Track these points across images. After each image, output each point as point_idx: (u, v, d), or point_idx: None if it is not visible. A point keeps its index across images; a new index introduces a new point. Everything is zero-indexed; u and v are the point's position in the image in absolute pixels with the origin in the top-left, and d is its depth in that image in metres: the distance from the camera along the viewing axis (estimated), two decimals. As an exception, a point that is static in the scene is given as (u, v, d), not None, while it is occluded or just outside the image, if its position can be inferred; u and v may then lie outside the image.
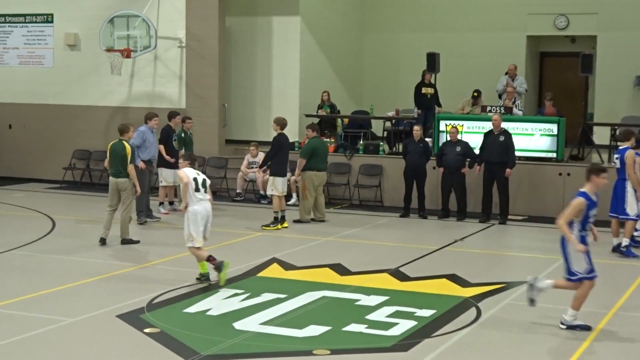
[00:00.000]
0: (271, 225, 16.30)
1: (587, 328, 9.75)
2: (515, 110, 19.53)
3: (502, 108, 19.03)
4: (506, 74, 21.06)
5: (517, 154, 17.59)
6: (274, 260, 13.47)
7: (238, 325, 9.87)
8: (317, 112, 21.61)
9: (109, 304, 10.63)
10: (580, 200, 9.73)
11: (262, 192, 19.30)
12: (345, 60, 24.31)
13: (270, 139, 17.11)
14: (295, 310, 10.58)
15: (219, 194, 20.46)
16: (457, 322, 10.16)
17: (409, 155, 17.94)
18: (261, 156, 19.48)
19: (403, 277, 12.53)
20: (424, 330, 9.80)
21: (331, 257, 13.74)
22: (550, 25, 23.53)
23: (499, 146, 17.25)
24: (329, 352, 9.01)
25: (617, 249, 14.25)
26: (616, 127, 19.74)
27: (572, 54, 22.17)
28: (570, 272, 9.80)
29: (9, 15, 23.12)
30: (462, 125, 18.82)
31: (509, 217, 17.54)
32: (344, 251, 14.46)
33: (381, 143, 20.53)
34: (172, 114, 18.34)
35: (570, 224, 9.77)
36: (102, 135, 21.50)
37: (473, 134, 18.57)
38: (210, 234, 12.17)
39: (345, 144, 20.62)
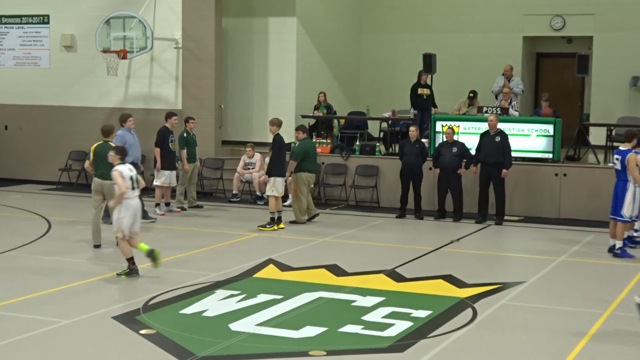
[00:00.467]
0: (267, 226, 16.30)
1: None
2: (511, 110, 19.54)
3: (498, 109, 19.04)
4: (502, 74, 21.06)
5: (513, 154, 17.59)
6: (270, 261, 13.47)
7: (234, 326, 9.86)
8: (313, 113, 21.62)
9: (105, 306, 10.62)
10: None
11: (258, 193, 19.31)
12: (342, 61, 24.32)
13: (267, 140, 17.12)
14: (292, 311, 10.58)
15: (215, 195, 20.52)
16: (453, 322, 10.16)
17: (405, 156, 17.94)
18: (257, 157, 19.56)
19: (399, 278, 12.53)
20: (420, 331, 9.80)
21: (327, 258, 13.74)
22: (547, 26, 23.55)
23: (495, 147, 17.26)
24: (325, 353, 9.00)
25: (612, 249, 14.25)
26: (612, 128, 19.76)
27: (569, 55, 22.20)
28: None
29: (5, 17, 23.09)
30: (459, 126, 18.82)
31: (505, 217, 17.54)
32: (340, 252, 14.45)
33: (377, 144, 20.54)
34: (168, 115, 18.38)
35: None
36: (98, 137, 21.16)
37: (469, 135, 18.56)
38: (140, 228, 12.48)
39: (342, 145, 20.62)
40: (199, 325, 10.01)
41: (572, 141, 19.48)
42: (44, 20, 22.67)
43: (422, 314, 10.50)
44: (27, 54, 22.93)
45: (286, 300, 11.05)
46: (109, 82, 21.60)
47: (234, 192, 19.71)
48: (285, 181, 16.88)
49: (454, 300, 11.24)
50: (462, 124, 18.97)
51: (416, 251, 14.48)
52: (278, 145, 16.59)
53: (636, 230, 15.36)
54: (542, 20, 23.53)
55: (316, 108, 21.70)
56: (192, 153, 18.61)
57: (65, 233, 15.77)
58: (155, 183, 18.08)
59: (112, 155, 12.69)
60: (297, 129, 17.31)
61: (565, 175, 18.20)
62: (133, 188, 12.34)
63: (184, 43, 21.18)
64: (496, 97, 20.77)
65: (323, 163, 19.88)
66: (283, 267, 13.11)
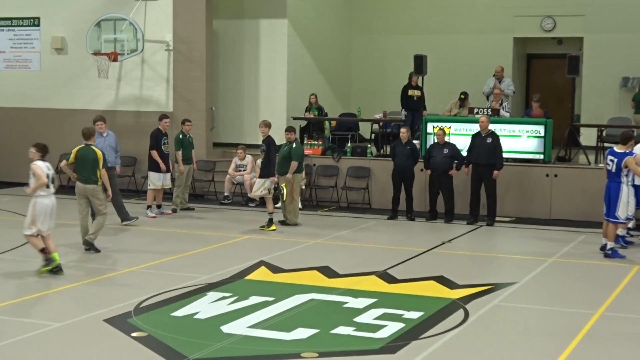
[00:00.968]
0: (266, 226, 16.35)
1: None
2: (502, 112, 19.57)
3: (489, 110, 19.06)
4: (493, 75, 21.09)
5: (504, 155, 17.61)
6: (261, 263, 13.46)
7: (226, 328, 9.85)
8: (304, 115, 21.61)
9: (96, 308, 10.59)
10: None
11: (249, 194, 19.29)
12: (333, 62, 24.33)
13: (259, 142, 17.10)
14: (283, 313, 10.57)
15: (206, 197, 20.50)
16: (445, 323, 10.16)
17: (396, 158, 17.96)
18: (249, 159, 19.56)
19: (391, 279, 12.53)
20: (412, 332, 9.80)
21: (319, 260, 13.73)
22: (537, 27, 23.62)
23: (486, 148, 17.28)
24: (317, 355, 9.00)
25: (604, 249, 14.28)
26: (603, 129, 19.80)
27: (559, 56, 22.24)
28: None
29: (-4, 19, 23.09)
30: (450, 127, 18.84)
31: (497, 218, 17.56)
32: (332, 254, 14.44)
33: (369, 145, 20.56)
34: (161, 117, 18.36)
35: None
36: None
37: (461, 136, 18.58)
38: (50, 228, 12.56)
39: (333, 147, 20.62)
40: (190, 327, 9.99)
41: (563, 142, 19.51)
42: (35, 22, 22.62)
43: (414, 315, 10.50)
44: (18, 57, 22.88)
45: (278, 302, 11.04)
46: (100, 85, 21.58)
47: (225, 194, 19.69)
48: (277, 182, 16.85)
49: (445, 301, 11.25)
50: (453, 126, 18.99)
51: (408, 252, 14.48)
52: (273, 147, 16.63)
53: (628, 230, 15.42)
54: (533, 22, 23.58)
55: (307, 110, 21.70)
56: (187, 155, 18.62)
57: (54, 235, 15.66)
58: (149, 186, 18.05)
59: (32, 152, 12.68)
60: (290, 130, 17.23)
61: (556, 176, 18.23)
62: (47, 186, 12.44)
63: (174, 45, 21.16)
64: (487, 98, 20.80)
65: (314, 165, 19.89)
66: (275, 269, 13.10)
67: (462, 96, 20.41)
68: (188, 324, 10.11)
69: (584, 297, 11.61)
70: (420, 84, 20.65)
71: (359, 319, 10.34)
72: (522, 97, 24.21)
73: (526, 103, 23.63)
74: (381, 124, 21.32)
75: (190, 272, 12.74)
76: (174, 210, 18.37)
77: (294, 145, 16.95)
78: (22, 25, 22.79)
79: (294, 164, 16.84)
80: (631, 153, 14.09)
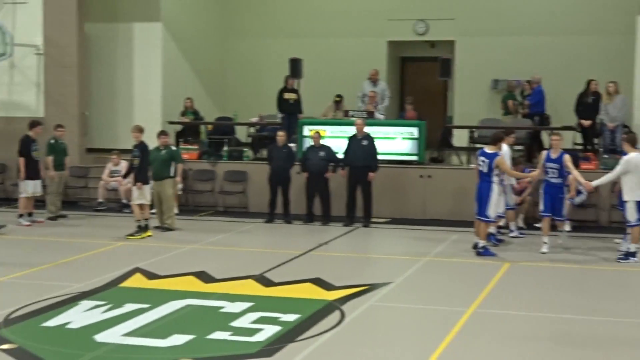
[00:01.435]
0: (136, 235, 16.06)
1: None
2: (377, 114, 19.84)
3: (364, 112, 19.28)
4: (368, 79, 21.34)
5: (379, 157, 17.83)
6: (137, 269, 13.24)
7: (100, 337, 9.64)
8: (180, 119, 21.42)
9: (-37, 321, 10.25)
10: None
11: (124, 200, 19.01)
12: (209, 66, 24.20)
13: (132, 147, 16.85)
14: (159, 320, 10.43)
15: (80, 204, 20.09)
16: (321, 325, 10.20)
17: (273, 161, 17.99)
18: (123, 164, 19.24)
19: (268, 283, 12.52)
20: (289, 335, 9.80)
21: (196, 265, 13.61)
22: (410, 30, 24.02)
23: (362, 150, 17.47)
24: (193, 361, 8.92)
25: (476, 247, 14.59)
26: (474, 130, 20.26)
27: (432, 59, 22.63)
28: None
29: None
30: (326, 130, 18.98)
31: (373, 220, 17.77)
32: (209, 258, 14.34)
33: (245, 149, 20.53)
34: (33, 124, 17.88)
35: None
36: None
37: (337, 139, 18.73)
38: None
39: (210, 151, 20.52)
40: (63, 337, 9.74)
41: (436, 143, 19.88)
42: None
43: (291, 317, 10.50)
44: None
45: (153, 309, 10.88)
46: (-33, 90, 20.92)
47: (99, 200, 19.35)
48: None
49: (322, 303, 11.29)
50: (329, 128, 19.15)
51: (285, 255, 14.49)
52: (147, 152, 16.42)
53: (500, 228, 15.80)
54: (406, 25, 23.96)
55: (183, 114, 21.53)
56: (60, 161, 18.23)
57: None
58: (21, 194, 17.56)
59: None
60: (164, 134, 17.07)
61: (430, 176, 18.57)
62: None
63: (45, 49, 20.69)
64: (362, 101, 21.02)
65: (191, 169, 19.73)
66: (150, 276, 12.92)
67: (337, 99, 20.58)
68: (60, 334, 9.86)
69: (457, 295, 11.83)
70: (296, 87, 20.73)
71: (236, 323, 10.28)
72: (397, 99, 24.56)
73: (400, 105, 23.99)
74: (257, 127, 21.30)
75: (63, 281, 12.43)
76: (51, 218, 17.94)
77: (173, 148, 16.84)
78: None
79: (180, 167, 16.76)
80: (497, 154, 14.41)
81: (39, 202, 18.17)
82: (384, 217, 18.36)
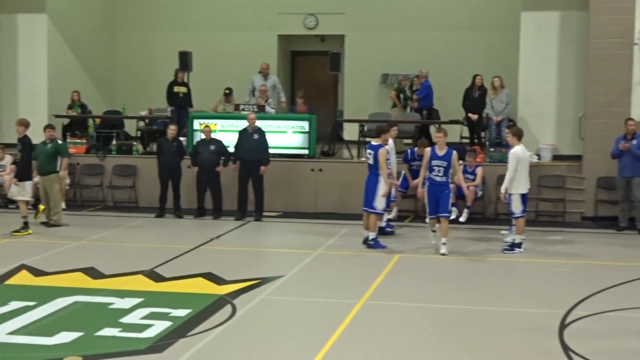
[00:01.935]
0: (22, 231, 15.68)
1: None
2: (267, 108, 19.82)
3: (254, 106, 19.25)
4: (259, 72, 21.29)
5: (271, 151, 17.83)
6: (22, 266, 12.93)
7: (-17, 336, 9.41)
8: (67, 112, 20.99)
9: None
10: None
11: (9, 196, 18.50)
12: (96, 59, 23.76)
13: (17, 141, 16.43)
14: (46, 318, 10.21)
15: (-37, 200, 19.52)
16: (212, 320, 10.16)
17: (163, 155, 17.81)
18: (8, 159, 18.73)
19: (158, 278, 12.39)
20: (180, 330, 9.72)
21: (84, 261, 13.36)
22: (300, 24, 24.08)
23: (253, 144, 17.45)
24: (81, 358, 8.73)
25: (366, 241, 14.73)
26: (364, 124, 20.44)
27: (322, 53, 22.76)
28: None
29: None
30: (216, 124, 18.87)
31: (265, 213, 17.77)
32: (98, 254, 14.11)
33: (135, 143, 20.25)
34: None
35: None
36: None
37: (227, 132, 18.66)
38: None
39: (98, 145, 20.18)
40: (-56, 338, 9.46)
41: (327, 137, 19.99)
42: None
43: (182, 313, 10.43)
44: None
45: (40, 306, 10.65)
46: None
47: (-17, 196, 18.82)
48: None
49: (213, 297, 11.25)
50: (220, 122, 19.05)
51: (176, 250, 14.37)
52: (30, 147, 16.03)
53: (388, 221, 15.99)
54: (296, 19, 24.03)
55: (70, 107, 21.10)
56: None
57: None
58: None
59: None
60: (51, 127, 16.74)
61: (320, 170, 18.66)
62: None
63: None
64: (253, 94, 20.96)
65: (78, 164, 19.39)
66: (36, 272, 12.64)
67: (227, 91, 20.44)
68: (-59, 335, 9.56)
69: (347, 287, 11.93)
70: (186, 81, 20.55)
71: (125, 319, 10.15)
72: (288, 93, 24.59)
73: (292, 99, 24.04)
74: (147, 121, 21.04)
75: (-55, 279, 12.08)
76: None
77: (60, 142, 16.49)
78: None
79: (65, 161, 16.45)
80: (381, 146, 14.55)
81: None
82: (276, 210, 18.37)
